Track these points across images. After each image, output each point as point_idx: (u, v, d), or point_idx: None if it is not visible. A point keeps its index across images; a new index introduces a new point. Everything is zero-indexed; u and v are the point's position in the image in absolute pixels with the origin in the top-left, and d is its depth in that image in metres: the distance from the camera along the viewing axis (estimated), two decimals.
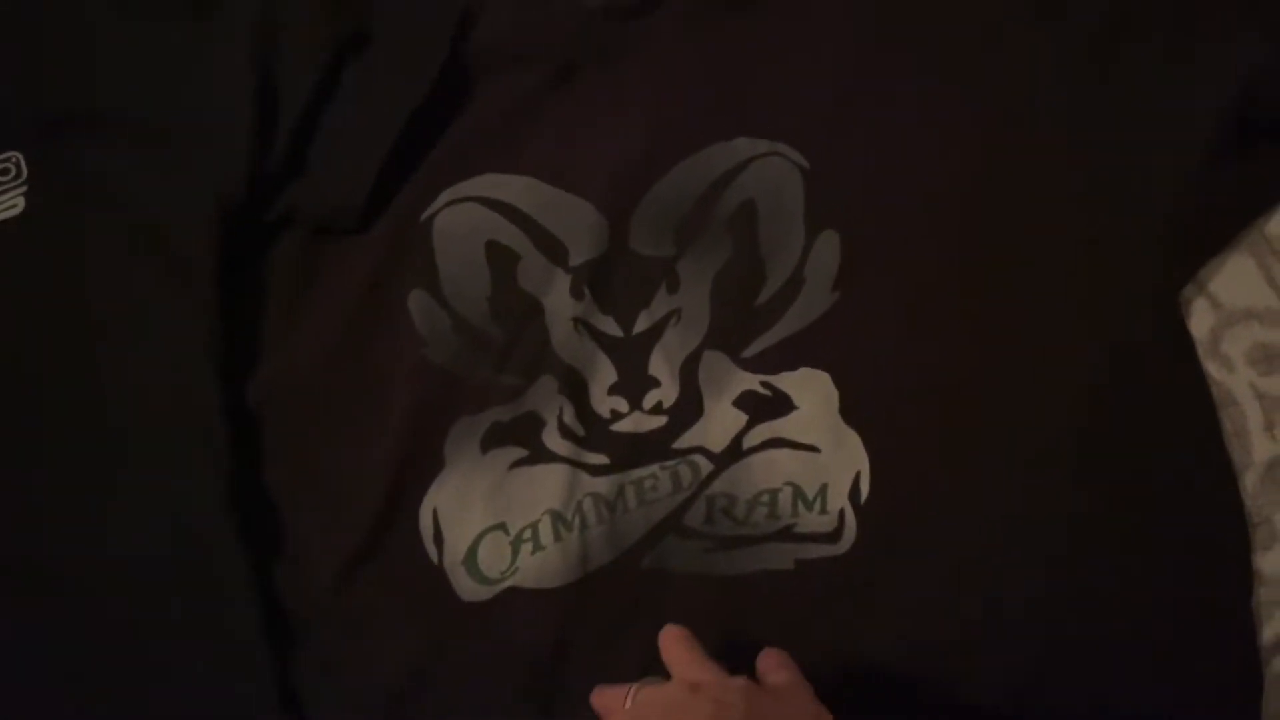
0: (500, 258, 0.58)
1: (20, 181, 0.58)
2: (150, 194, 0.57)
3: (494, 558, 0.56)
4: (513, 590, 0.56)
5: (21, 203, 0.58)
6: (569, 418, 0.57)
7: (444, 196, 0.58)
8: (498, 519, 0.56)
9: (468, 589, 0.56)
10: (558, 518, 0.56)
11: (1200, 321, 0.59)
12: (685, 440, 0.57)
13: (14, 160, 0.58)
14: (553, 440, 0.57)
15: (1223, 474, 0.56)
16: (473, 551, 0.56)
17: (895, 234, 0.58)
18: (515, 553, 0.56)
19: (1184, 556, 0.55)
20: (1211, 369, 0.58)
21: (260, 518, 0.56)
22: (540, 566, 0.56)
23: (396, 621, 0.55)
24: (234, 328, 0.57)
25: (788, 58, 0.59)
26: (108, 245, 0.57)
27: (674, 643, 0.51)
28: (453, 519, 0.56)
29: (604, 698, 0.51)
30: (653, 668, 0.53)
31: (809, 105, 0.58)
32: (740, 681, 0.46)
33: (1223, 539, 0.56)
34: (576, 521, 0.56)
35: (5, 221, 0.57)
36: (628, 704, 0.49)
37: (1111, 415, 0.56)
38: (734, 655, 0.53)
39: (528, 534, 0.56)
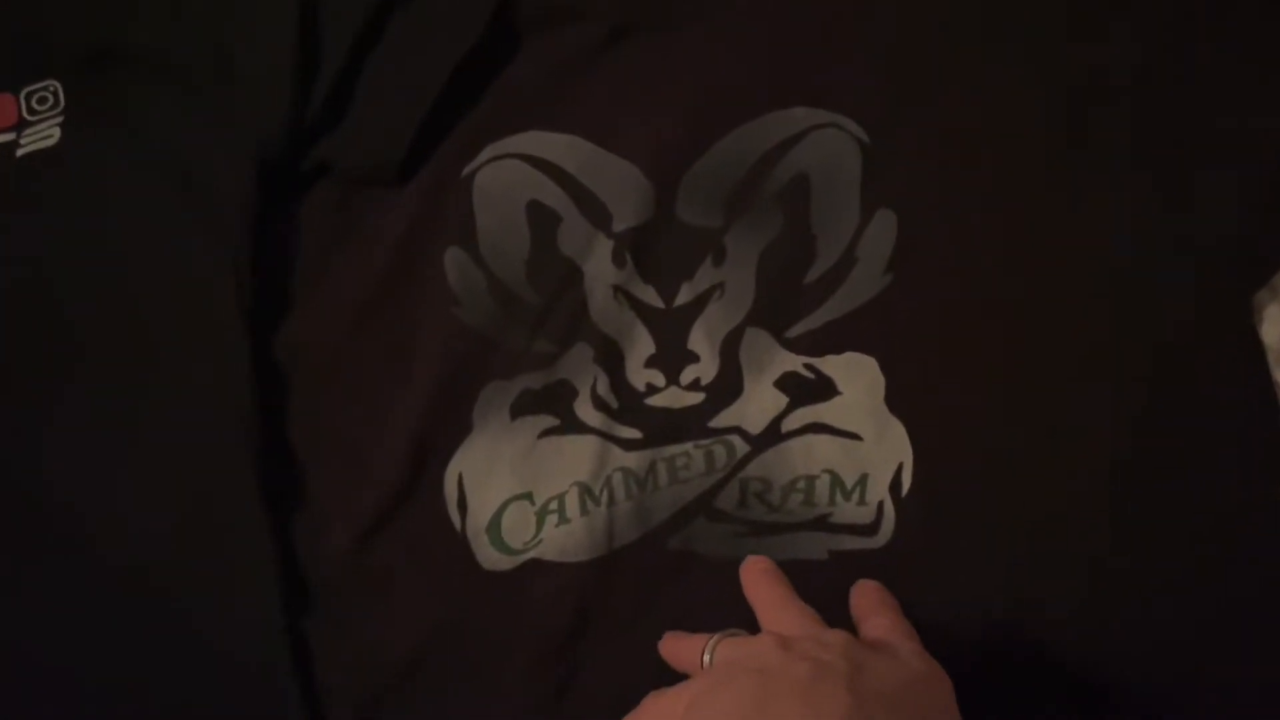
0: (541, 219, 0.56)
1: (58, 112, 0.57)
2: (187, 136, 0.56)
3: (518, 527, 0.54)
4: (535, 562, 0.54)
5: (58, 133, 0.56)
6: (603, 389, 0.55)
7: (487, 152, 0.56)
8: (524, 488, 0.54)
9: (490, 558, 0.54)
10: (585, 491, 0.54)
11: (1272, 328, 0.56)
12: (722, 419, 0.55)
13: (52, 89, 0.57)
14: (585, 411, 0.55)
15: None
16: (496, 520, 0.54)
17: (954, 218, 0.55)
18: (540, 524, 0.54)
19: (1233, 571, 0.53)
20: None
21: (282, 473, 0.55)
22: (565, 539, 0.54)
23: (415, 586, 0.54)
24: (265, 278, 0.56)
25: (851, 29, 0.56)
26: (141, 185, 0.56)
27: (759, 577, 0.46)
28: (478, 486, 0.54)
29: (677, 648, 0.46)
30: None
31: (871, 79, 0.56)
32: (840, 636, 0.40)
33: (1277, 555, 0.53)
34: (604, 496, 0.54)
35: (41, 151, 0.56)
36: (706, 658, 0.44)
37: (1171, 422, 0.54)
38: None
39: (554, 505, 0.54)
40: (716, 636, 0.44)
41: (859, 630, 0.43)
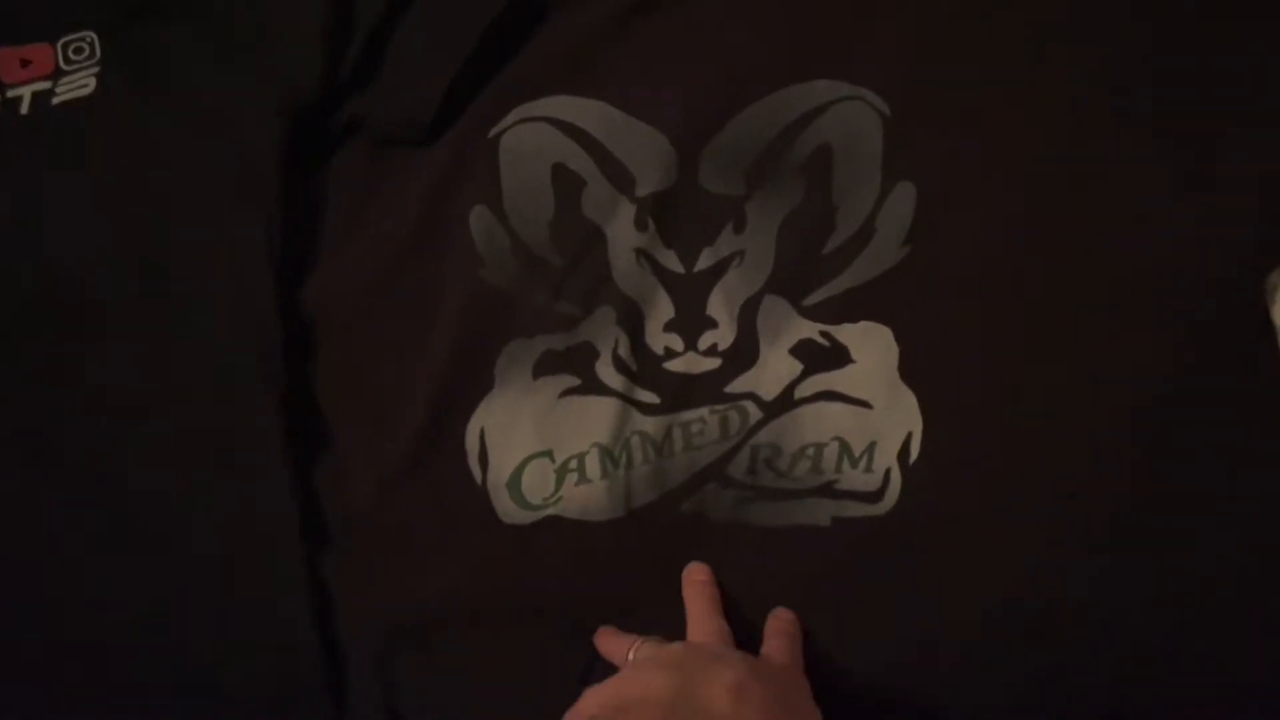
0: (566, 181, 0.56)
1: (94, 62, 0.58)
2: (220, 91, 0.56)
3: (538, 484, 0.56)
4: (554, 519, 0.56)
5: (93, 83, 0.57)
6: (624, 351, 0.56)
7: (514, 114, 0.57)
8: (545, 446, 0.56)
9: (509, 511, 0.56)
10: (605, 453, 0.56)
11: None
12: (738, 385, 0.56)
13: (88, 40, 0.58)
14: (606, 373, 0.56)
15: None
16: (517, 475, 0.56)
17: (973, 193, 0.56)
18: (560, 481, 0.56)
19: (1241, 553, 0.54)
20: None
21: (307, 424, 0.57)
22: (584, 498, 0.56)
23: (435, 536, 0.56)
24: (294, 231, 0.57)
25: (873, 3, 0.56)
26: (174, 137, 0.57)
27: (695, 589, 0.54)
28: (500, 441, 0.56)
29: (609, 644, 0.53)
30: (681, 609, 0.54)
31: (895, 53, 0.56)
32: (734, 651, 0.50)
33: None
34: (624, 459, 0.56)
35: (76, 100, 0.57)
36: (630, 656, 0.51)
37: (1182, 399, 0.55)
38: (757, 610, 0.54)
39: (574, 464, 0.56)
40: (641, 640, 0.52)
41: (763, 652, 0.52)
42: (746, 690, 0.46)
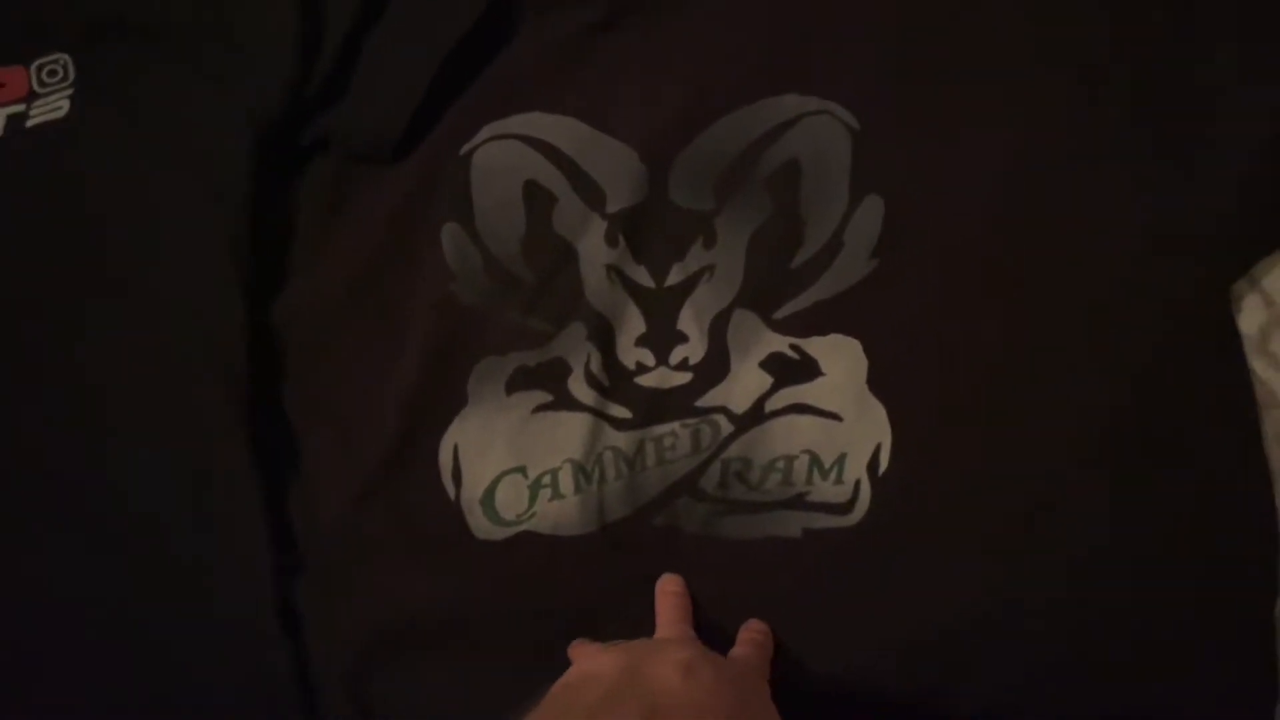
0: (537, 198, 0.57)
1: (67, 85, 0.58)
2: (190, 109, 0.57)
3: (512, 500, 0.57)
4: (528, 534, 0.57)
5: (66, 105, 0.58)
6: (595, 366, 0.57)
7: (486, 131, 0.57)
8: (518, 462, 0.57)
9: (483, 528, 0.57)
10: (579, 469, 0.56)
11: (1250, 318, 0.57)
12: (708, 399, 0.57)
13: (62, 63, 0.58)
14: (578, 388, 0.57)
15: (1259, 478, 0.55)
16: (491, 491, 0.57)
17: (941, 206, 0.56)
18: (533, 497, 0.57)
19: (1208, 560, 0.54)
20: (1258, 367, 0.56)
21: (276, 441, 0.57)
22: (558, 514, 0.56)
23: (407, 553, 0.57)
24: (262, 247, 0.57)
25: (843, 18, 0.57)
26: (144, 157, 0.57)
27: (667, 599, 0.55)
28: (473, 457, 0.57)
29: (582, 653, 0.53)
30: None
31: (863, 67, 0.56)
32: (693, 644, 0.50)
33: (1250, 545, 0.55)
34: (596, 474, 0.56)
35: (51, 123, 0.58)
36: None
37: (1149, 409, 0.55)
38: (730, 620, 0.54)
39: (546, 479, 0.57)
40: (610, 645, 0.52)
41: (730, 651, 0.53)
42: (695, 669, 0.46)
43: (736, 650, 0.53)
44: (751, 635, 0.54)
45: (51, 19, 0.58)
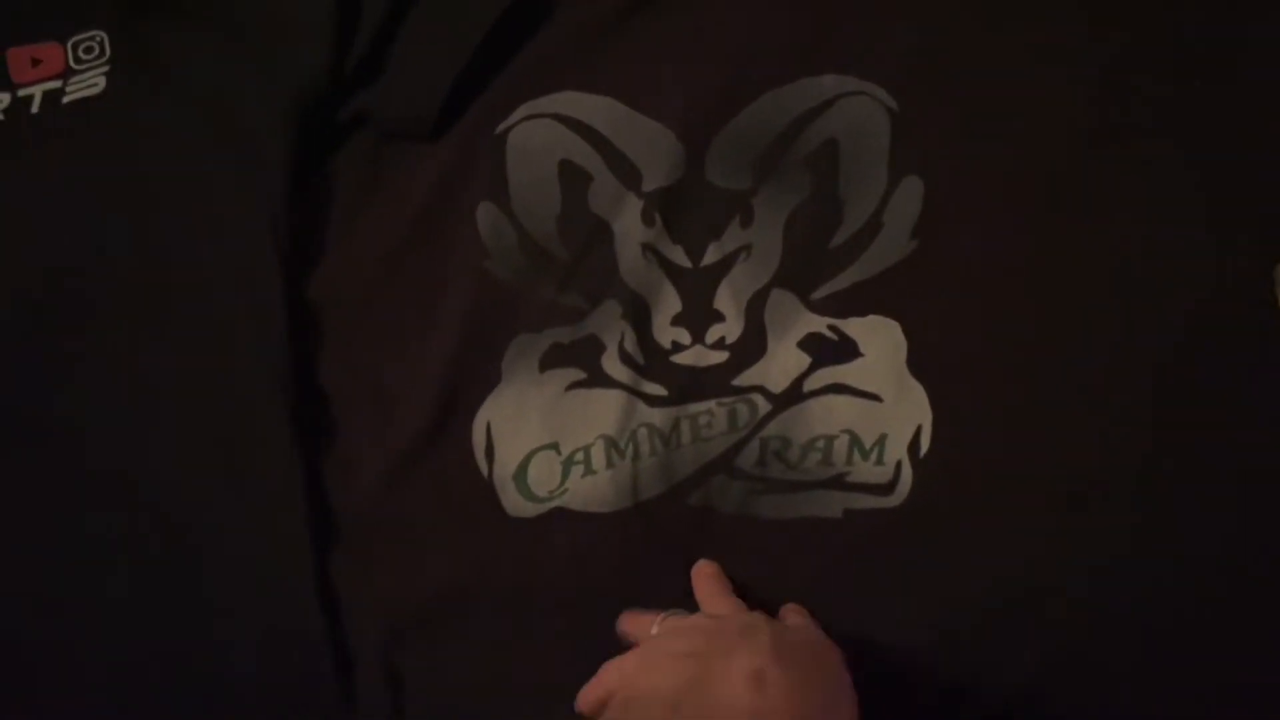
0: (573, 177, 0.57)
1: (104, 61, 0.58)
2: (228, 86, 0.57)
3: (544, 476, 0.56)
4: (560, 510, 0.56)
5: (103, 82, 0.58)
6: (630, 345, 0.56)
7: (521, 110, 0.57)
8: (551, 438, 0.56)
9: (515, 504, 0.56)
10: (611, 444, 0.55)
11: None
12: (745, 378, 0.56)
13: (98, 39, 0.58)
14: (612, 366, 0.56)
15: None
16: (523, 468, 0.56)
17: (980, 186, 0.56)
18: (566, 474, 0.56)
19: (1247, 541, 0.53)
20: None
21: (313, 416, 0.56)
22: (590, 490, 0.55)
23: (441, 529, 0.56)
24: (301, 223, 0.57)
25: None
26: (182, 133, 0.57)
27: (705, 579, 0.53)
28: (506, 434, 0.56)
29: (632, 623, 0.52)
30: (690, 603, 0.53)
31: (901, 48, 0.56)
32: (761, 615, 0.48)
33: None
34: (630, 450, 0.55)
35: (86, 99, 0.58)
36: (654, 629, 0.50)
37: (1189, 394, 0.54)
38: (768, 602, 0.53)
39: (579, 456, 0.56)
40: (665, 613, 0.51)
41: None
42: (767, 678, 0.43)
43: (795, 621, 0.51)
44: (792, 610, 0.53)
45: None
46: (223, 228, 0.56)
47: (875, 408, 0.55)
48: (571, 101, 0.57)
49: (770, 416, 0.56)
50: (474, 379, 0.56)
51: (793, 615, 0.52)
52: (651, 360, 0.56)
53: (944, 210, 0.56)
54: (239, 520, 0.54)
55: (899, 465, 0.55)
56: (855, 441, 0.55)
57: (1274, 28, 0.56)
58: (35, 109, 0.58)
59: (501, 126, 0.57)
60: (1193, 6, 0.56)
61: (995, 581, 0.54)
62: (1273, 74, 0.55)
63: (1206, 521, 0.54)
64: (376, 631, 0.55)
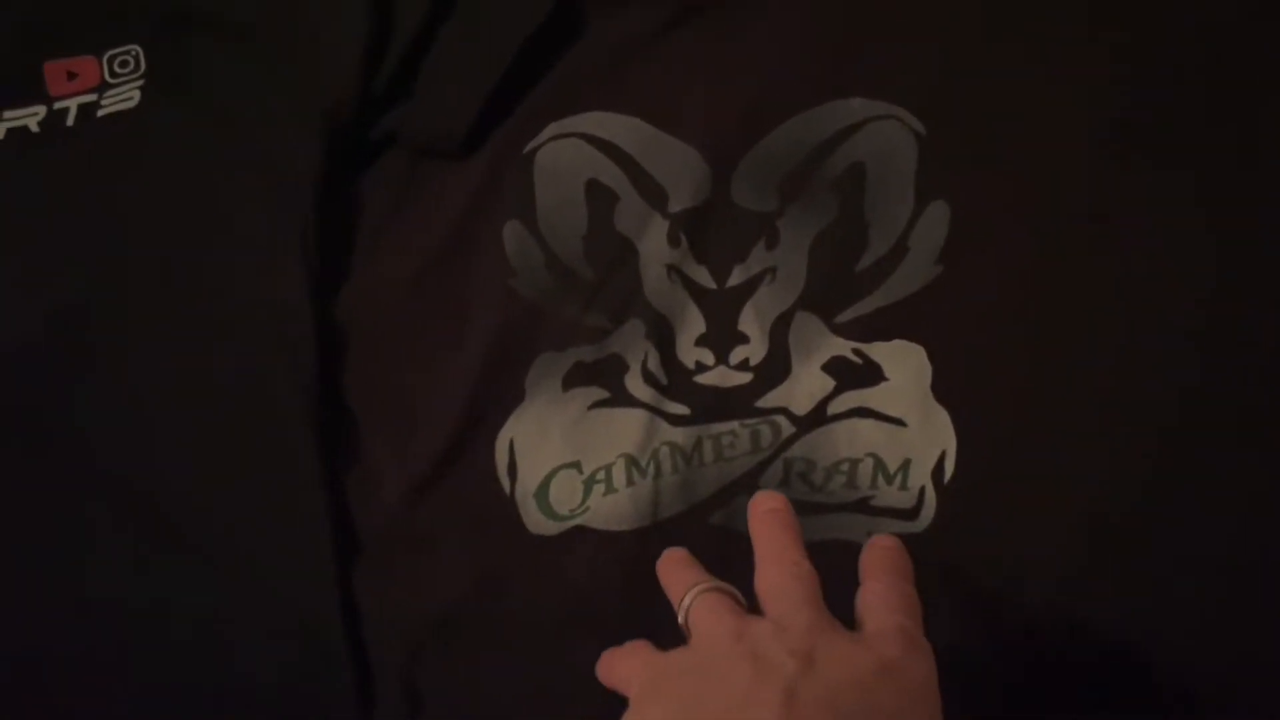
0: (599, 197, 0.57)
1: (139, 75, 0.59)
2: (260, 102, 0.57)
3: (565, 494, 0.56)
4: (581, 529, 0.55)
5: (138, 96, 0.58)
6: (653, 364, 0.56)
7: (549, 130, 0.58)
8: (573, 457, 0.56)
9: (536, 522, 0.56)
10: (632, 462, 0.55)
11: None
12: (769, 400, 0.56)
13: (134, 54, 0.59)
14: (635, 385, 0.56)
15: None
16: (545, 486, 0.56)
17: (1007, 212, 0.56)
18: (587, 492, 0.55)
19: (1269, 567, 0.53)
20: None
21: (338, 431, 0.56)
22: (611, 508, 0.55)
23: (462, 546, 0.56)
24: (329, 241, 0.57)
25: (910, 22, 0.57)
26: (214, 149, 0.57)
27: (765, 516, 0.43)
28: (529, 452, 0.56)
29: (673, 576, 0.46)
30: None
31: (930, 72, 0.56)
32: (804, 622, 0.37)
33: None
34: (651, 468, 0.55)
35: (120, 113, 0.58)
36: (686, 601, 0.43)
37: (1214, 422, 0.54)
38: None
39: (600, 475, 0.55)
40: (699, 588, 0.42)
41: (858, 604, 0.40)
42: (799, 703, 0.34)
43: (868, 598, 0.40)
44: (879, 558, 0.41)
45: (122, 10, 0.59)
46: (252, 244, 0.57)
47: (899, 432, 0.55)
48: (599, 122, 0.57)
49: (794, 438, 0.55)
50: (498, 397, 0.56)
51: (875, 609, 0.40)
52: (675, 380, 0.56)
53: (970, 236, 0.56)
54: (262, 534, 0.54)
55: (923, 491, 0.55)
56: (880, 465, 0.55)
57: None
58: (70, 121, 0.58)
59: (530, 146, 0.58)
60: (1228, 20, 0.55)
61: (1017, 612, 0.53)
62: None
63: (1239, 540, 0.53)
64: (396, 646, 0.55)
